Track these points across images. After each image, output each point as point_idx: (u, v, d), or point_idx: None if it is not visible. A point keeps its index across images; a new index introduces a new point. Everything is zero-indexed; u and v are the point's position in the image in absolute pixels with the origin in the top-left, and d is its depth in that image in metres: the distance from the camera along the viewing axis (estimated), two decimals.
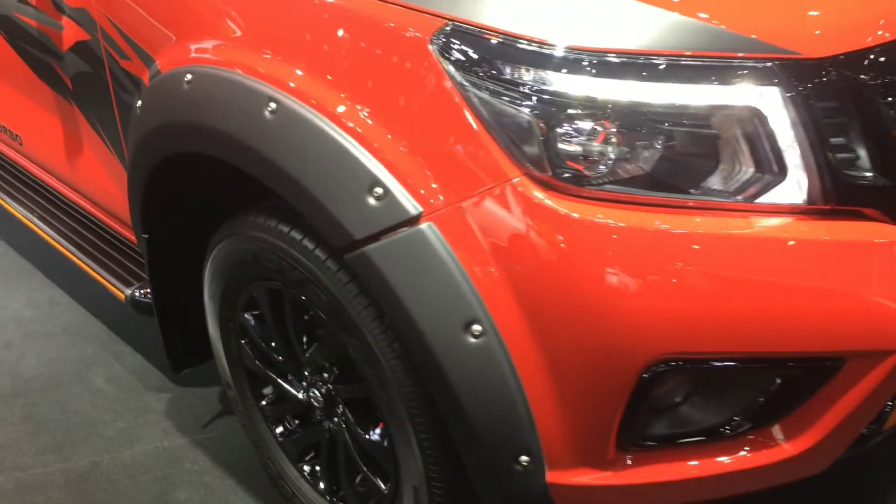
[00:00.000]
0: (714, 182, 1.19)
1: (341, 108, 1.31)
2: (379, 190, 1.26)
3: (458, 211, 1.23)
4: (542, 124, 1.16)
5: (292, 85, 1.35)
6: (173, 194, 1.81)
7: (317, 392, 1.75)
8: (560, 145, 1.17)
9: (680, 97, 1.15)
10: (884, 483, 1.99)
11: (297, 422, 1.93)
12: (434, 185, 1.24)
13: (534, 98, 1.16)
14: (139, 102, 1.70)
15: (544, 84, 1.16)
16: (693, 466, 1.32)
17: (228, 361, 1.94)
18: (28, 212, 2.61)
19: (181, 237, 1.93)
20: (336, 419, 1.74)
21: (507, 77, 1.17)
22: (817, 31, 1.16)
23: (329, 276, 1.47)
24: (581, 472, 1.33)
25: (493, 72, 1.18)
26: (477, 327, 1.24)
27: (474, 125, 1.20)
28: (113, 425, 2.30)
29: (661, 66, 1.14)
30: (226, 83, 1.44)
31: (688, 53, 1.14)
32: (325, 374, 1.71)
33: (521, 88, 1.17)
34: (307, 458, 1.90)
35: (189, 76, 1.51)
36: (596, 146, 1.17)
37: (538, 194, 1.18)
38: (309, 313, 1.66)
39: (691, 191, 1.20)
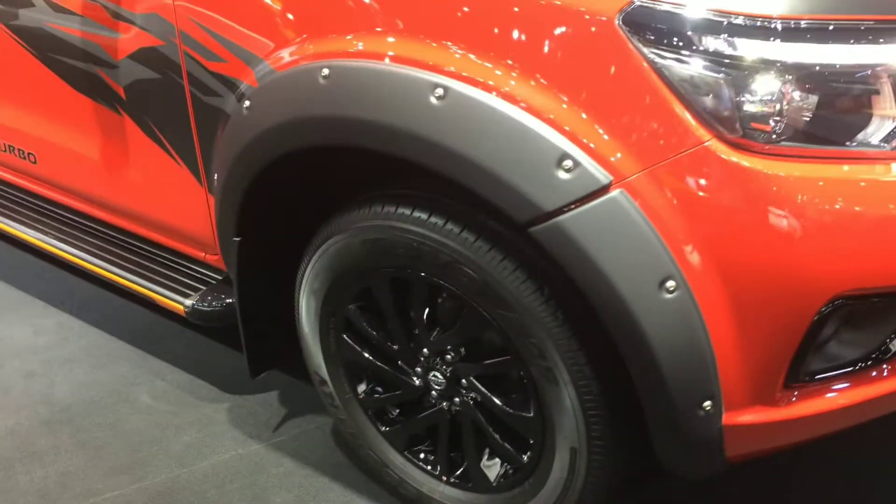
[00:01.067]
0: (868, 134, 1.34)
1: (518, 88, 1.37)
2: (568, 163, 1.33)
3: (647, 176, 1.32)
4: (731, 87, 1.28)
5: (460, 70, 1.41)
6: (277, 194, 1.81)
7: (438, 375, 1.79)
8: (746, 107, 1.29)
9: (849, 57, 1.29)
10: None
11: (397, 410, 1.97)
12: (621, 154, 1.33)
13: (722, 63, 1.27)
14: (246, 103, 1.70)
15: (731, 50, 1.27)
16: (849, 393, 1.47)
17: (325, 357, 1.96)
18: (44, 235, 2.50)
19: (274, 238, 1.93)
20: (459, 398, 1.79)
21: (695, 45, 1.28)
22: None
23: (481, 255, 1.53)
24: (751, 411, 1.45)
25: (681, 41, 1.28)
26: (671, 283, 1.34)
27: (665, 94, 1.29)
28: (178, 440, 2.25)
29: (836, 30, 1.28)
30: (378, 75, 1.48)
31: (858, 17, 1.28)
32: (449, 356, 1.76)
33: (708, 55, 1.28)
34: (418, 443, 1.94)
35: (326, 70, 1.53)
36: (777, 105, 1.29)
37: (729, 154, 1.29)
38: (441, 296, 1.72)
39: (848, 143, 1.34)
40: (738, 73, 1.27)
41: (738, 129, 1.29)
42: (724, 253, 1.33)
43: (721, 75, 1.28)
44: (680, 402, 1.41)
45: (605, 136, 1.34)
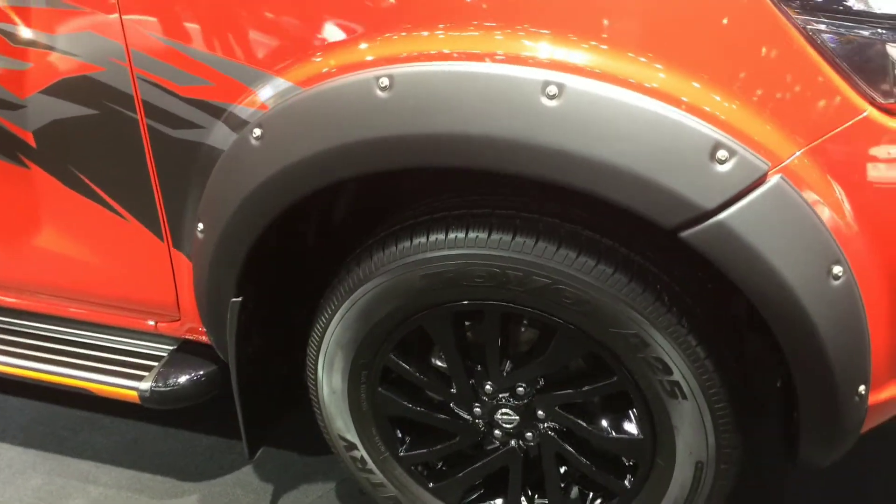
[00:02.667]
0: None
1: (647, 75, 1.19)
2: (723, 153, 1.18)
3: (805, 156, 1.20)
4: (887, 48, 1.18)
5: (572, 62, 1.20)
6: (294, 236, 1.49)
7: (509, 411, 1.58)
8: None
9: None
10: None
11: (442, 462, 1.73)
12: (775, 136, 1.20)
13: (877, 23, 1.17)
14: (255, 132, 1.36)
15: (888, 7, 1.17)
16: None
17: (354, 418, 1.66)
18: None
19: (284, 291, 1.60)
20: (533, 433, 1.59)
21: (849, 3, 1.17)
22: None
23: (586, 271, 1.34)
24: (890, 385, 1.40)
25: (832, 1, 1.17)
26: (838, 268, 1.23)
27: (817, 62, 1.17)
28: None
29: None
30: (462, 79, 1.22)
31: None
32: (521, 389, 1.54)
33: (863, 14, 1.17)
34: (475, 492, 1.71)
35: (385, 80, 1.25)
36: None
37: (887, 121, 1.20)
38: (521, 325, 1.50)
39: None
40: (892, 31, 1.18)
41: (894, 92, 1.20)
42: (883, 228, 1.25)
43: (877, 35, 1.18)
44: (842, 391, 1.31)
45: (756, 118, 1.20)
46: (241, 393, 1.67)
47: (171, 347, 1.87)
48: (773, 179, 1.19)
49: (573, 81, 1.19)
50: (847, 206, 1.23)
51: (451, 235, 1.40)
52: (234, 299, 1.54)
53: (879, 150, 1.21)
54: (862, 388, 1.33)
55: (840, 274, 1.24)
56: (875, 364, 1.34)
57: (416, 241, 1.43)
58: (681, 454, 1.47)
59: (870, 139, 1.21)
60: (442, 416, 1.64)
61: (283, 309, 1.76)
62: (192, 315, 1.71)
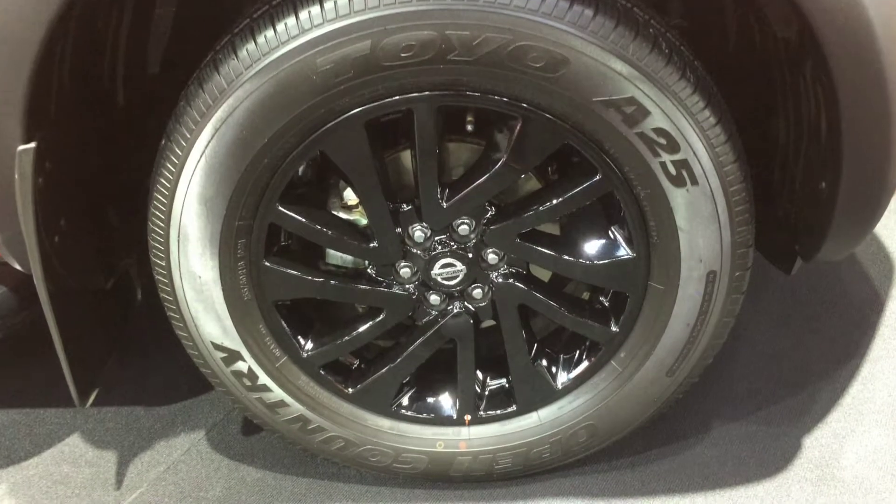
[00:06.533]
0: None
1: None
2: None
3: None
4: None
5: None
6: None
7: (452, 261, 1.16)
8: None
9: None
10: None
11: (359, 360, 1.29)
12: None
13: None
14: None
15: None
16: None
17: (234, 314, 1.17)
18: None
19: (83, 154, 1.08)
20: (485, 287, 1.18)
21: None
22: None
23: (559, 16, 0.95)
24: None
25: None
26: None
27: None
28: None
29: None
30: None
31: None
32: (465, 225, 1.13)
33: None
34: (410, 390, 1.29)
35: None
36: None
37: None
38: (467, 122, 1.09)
39: None
40: None
41: None
42: None
43: None
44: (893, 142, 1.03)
45: None
46: (56, 313, 1.12)
47: None
48: None
49: None
50: None
51: None
52: (22, 147, 0.99)
53: None
54: None
55: None
56: None
57: (304, 14, 0.97)
58: (686, 266, 1.12)
59: None
60: (359, 286, 1.19)
61: (93, 186, 1.23)
62: None
